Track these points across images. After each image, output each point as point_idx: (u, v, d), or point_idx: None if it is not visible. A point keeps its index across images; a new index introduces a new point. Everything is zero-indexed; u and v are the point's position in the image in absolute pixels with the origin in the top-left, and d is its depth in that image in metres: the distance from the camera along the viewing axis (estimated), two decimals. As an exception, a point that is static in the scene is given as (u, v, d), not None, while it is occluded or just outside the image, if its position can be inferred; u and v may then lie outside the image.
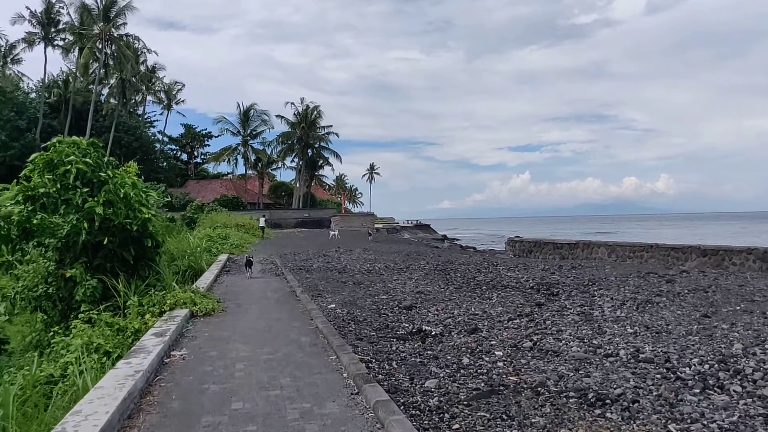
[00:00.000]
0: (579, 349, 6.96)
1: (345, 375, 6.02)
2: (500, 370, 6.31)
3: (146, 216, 10.37)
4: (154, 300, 9.78)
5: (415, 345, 7.53)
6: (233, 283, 14.87)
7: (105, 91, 67.73)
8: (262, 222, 41.93)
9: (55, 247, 10.19)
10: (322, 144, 76.66)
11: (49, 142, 10.59)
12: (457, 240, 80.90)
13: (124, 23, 58.73)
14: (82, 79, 62.00)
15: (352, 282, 14.47)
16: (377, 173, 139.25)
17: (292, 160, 78.36)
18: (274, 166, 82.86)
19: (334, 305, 10.77)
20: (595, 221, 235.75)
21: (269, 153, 75.81)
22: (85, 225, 9.61)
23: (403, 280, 14.82)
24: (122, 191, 10.28)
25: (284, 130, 74.72)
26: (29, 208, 9.81)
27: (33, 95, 64.88)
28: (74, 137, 10.88)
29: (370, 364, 6.52)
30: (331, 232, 40.85)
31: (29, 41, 58.31)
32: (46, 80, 64.40)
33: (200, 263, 18.90)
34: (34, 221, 9.59)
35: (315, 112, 74.46)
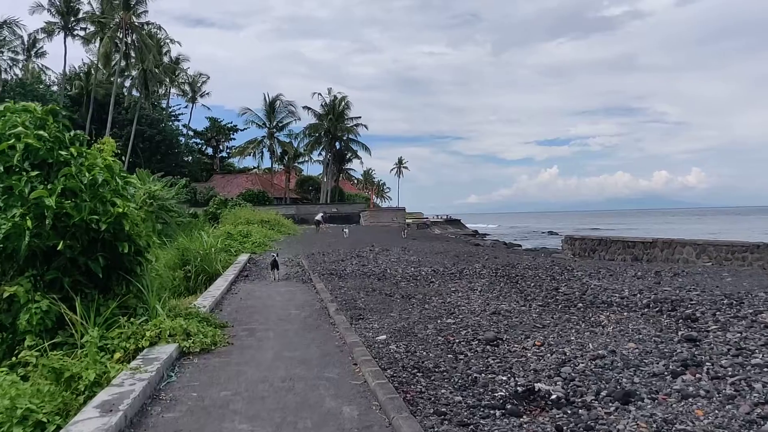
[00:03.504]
0: None
1: None
2: None
3: (121, 210, 7.35)
4: (128, 332, 6.79)
5: (544, 434, 4.31)
6: (250, 293, 11.87)
7: (127, 83, 65.90)
8: (318, 217, 43.13)
9: (-9, 255, 7.26)
10: (350, 136, 73.67)
11: (-4, 111, 7.74)
12: (488, 235, 77.47)
13: (145, 11, 56.58)
14: (103, 70, 60.03)
15: (400, 295, 11.29)
16: (405, 167, 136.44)
17: (320, 153, 75.87)
18: (301, 160, 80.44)
19: (384, 336, 7.60)
20: (626, 215, 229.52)
21: (296, 146, 73.34)
22: (29, 223, 6.63)
23: (463, 291, 11.60)
24: (88, 176, 7.30)
25: (311, 122, 72.10)
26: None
27: (54, 88, 63.27)
28: (27, 103, 7.95)
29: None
30: (345, 230, 37.97)
31: (48, 31, 56.53)
32: (67, 72, 62.76)
33: (215, 266, 16.13)
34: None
35: (343, 103, 71.58)
